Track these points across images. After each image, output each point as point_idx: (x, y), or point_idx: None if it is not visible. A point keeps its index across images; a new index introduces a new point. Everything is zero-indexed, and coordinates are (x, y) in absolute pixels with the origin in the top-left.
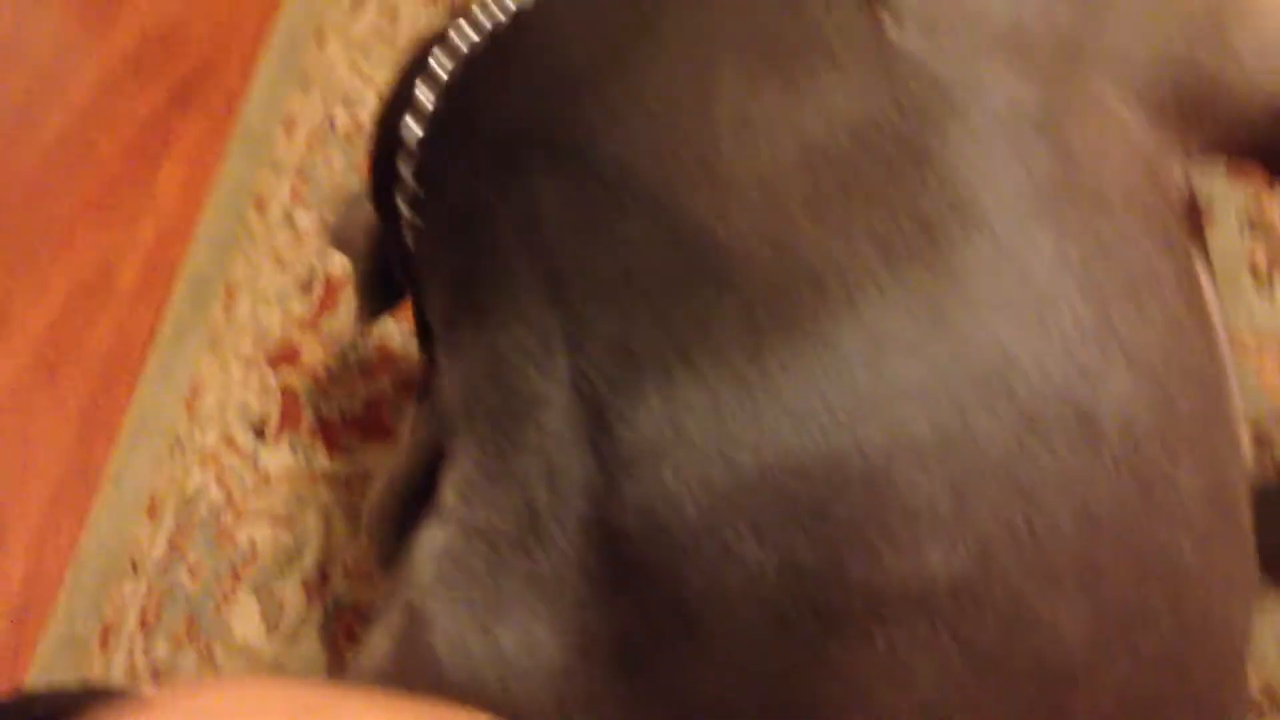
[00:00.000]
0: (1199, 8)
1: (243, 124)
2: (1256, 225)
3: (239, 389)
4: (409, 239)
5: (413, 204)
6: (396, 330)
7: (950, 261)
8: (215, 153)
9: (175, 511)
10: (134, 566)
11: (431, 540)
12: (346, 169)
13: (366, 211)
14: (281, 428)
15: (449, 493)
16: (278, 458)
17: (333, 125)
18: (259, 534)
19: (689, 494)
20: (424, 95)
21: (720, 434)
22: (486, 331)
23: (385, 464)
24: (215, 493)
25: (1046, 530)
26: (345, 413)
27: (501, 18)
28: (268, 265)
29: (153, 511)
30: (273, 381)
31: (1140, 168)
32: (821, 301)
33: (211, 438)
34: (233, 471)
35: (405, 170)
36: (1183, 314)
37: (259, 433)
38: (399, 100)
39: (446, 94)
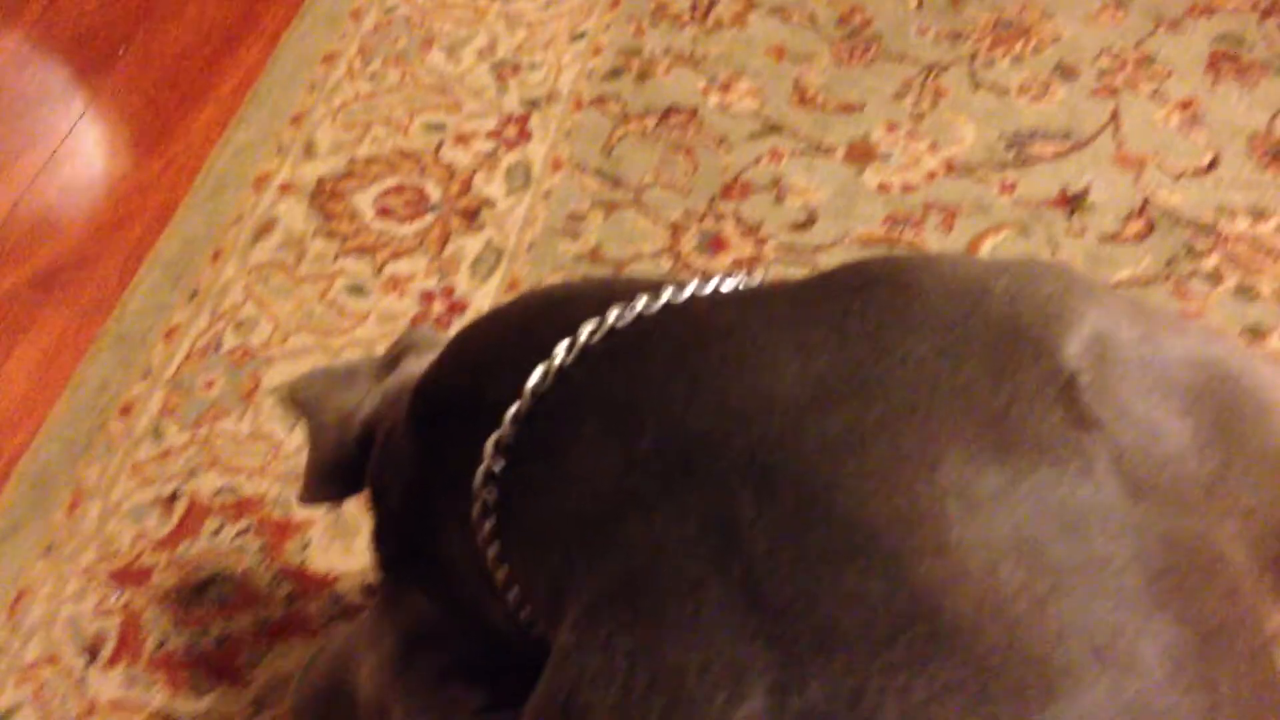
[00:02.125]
0: None
1: (116, 325)
2: None
3: (72, 603)
4: (475, 478)
5: (506, 449)
6: (263, 569)
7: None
8: (77, 348)
9: None
10: None
11: None
12: (228, 391)
13: (349, 398)
14: (118, 654)
15: None
16: (109, 686)
17: (219, 345)
18: None
19: None
20: (561, 352)
21: None
22: (650, 636)
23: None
24: (30, 715)
25: None
26: (195, 648)
27: (652, 309)
28: (125, 476)
29: None
30: (114, 601)
31: (1225, 596)
32: (1045, 691)
33: (33, 652)
34: (54, 694)
35: (505, 414)
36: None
37: (91, 655)
38: (502, 341)
39: (586, 361)
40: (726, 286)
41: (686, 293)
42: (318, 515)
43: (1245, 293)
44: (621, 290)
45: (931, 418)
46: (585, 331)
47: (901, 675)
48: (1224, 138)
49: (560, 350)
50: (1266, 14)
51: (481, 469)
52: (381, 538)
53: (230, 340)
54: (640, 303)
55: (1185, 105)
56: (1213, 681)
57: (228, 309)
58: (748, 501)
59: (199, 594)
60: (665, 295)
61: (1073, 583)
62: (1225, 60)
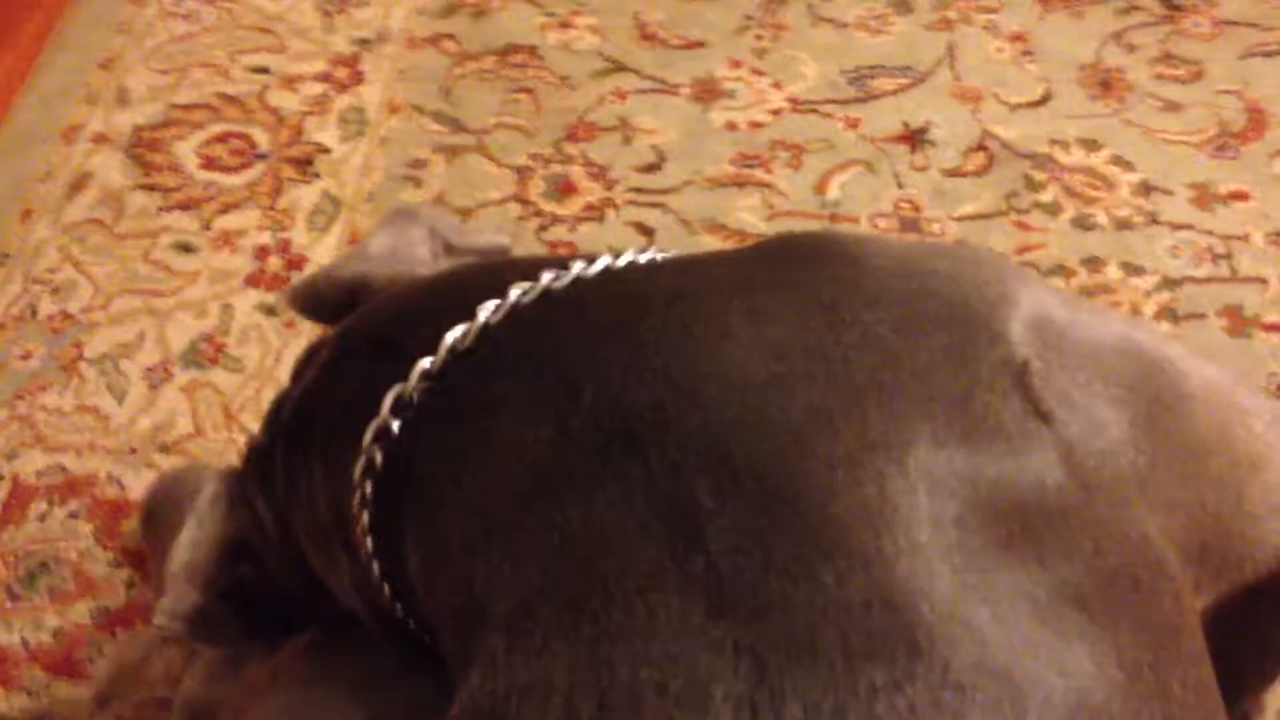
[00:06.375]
0: (1223, 467)
1: None
2: None
3: None
4: (365, 433)
5: (409, 407)
6: (98, 553)
7: None
8: None
9: None
10: None
11: None
12: (48, 362)
13: (400, 242)
14: None
15: None
16: None
17: (34, 312)
18: None
19: None
20: (486, 311)
21: None
22: (596, 643)
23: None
24: None
25: None
26: (28, 643)
27: (573, 277)
28: None
29: None
30: None
31: (1172, 598)
32: (1016, 706)
33: None
34: None
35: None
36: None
37: None
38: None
39: (515, 321)
40: (662, 256)
41: (624, 260)
42: None
43: (1083, 223)
44: (558, 261)
45: (898, 399)
46: (515, 292)
47: (884, 696)
48: (1055, 69)
49: (486, 308)
50: None
51: (374, 424)
52: (270, 417)
53: (47, 306)
54: (575, 266)
55: (1018, 37)
56: (1167, 686)
57: (42, 272)
58: (705, 489)
59: (29, 584)
60: (601, 262)
61: (1035, 584)
62: None
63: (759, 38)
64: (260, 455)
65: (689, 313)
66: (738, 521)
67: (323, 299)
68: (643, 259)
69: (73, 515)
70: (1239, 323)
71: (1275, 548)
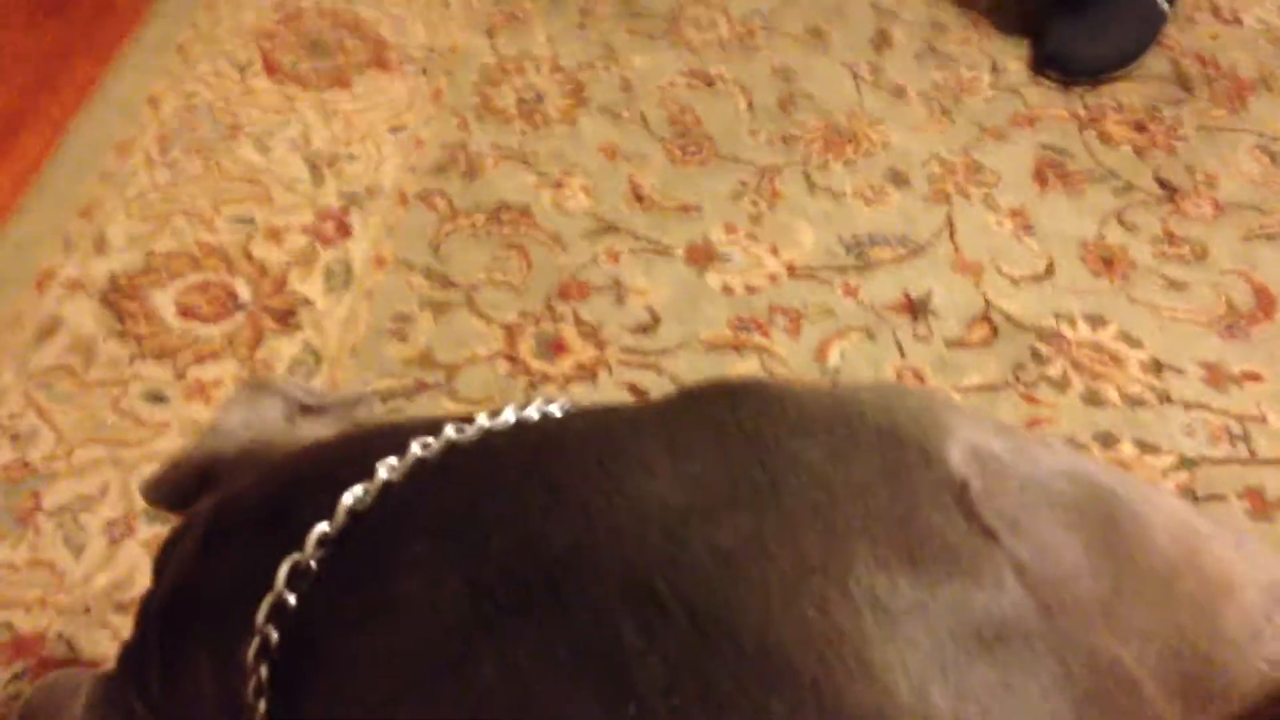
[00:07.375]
0: (1194, 592)
1: None
2: None
3: None
4: (258, 612)
5: (306, 577)
6: None
7: None
8: None
9: None
10: None
11: None
12: (2, 513)
13: (254, 415)
14: None
15: None
16: None
17: None
18: None
19: None
20: (386, 468)
21: None
22: None
23: None
24: None
25: None
26: None
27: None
28: None
29: None
30: None
31: None
32: None
33: None
34: None
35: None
36: None
37: None
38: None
39: (417, 475)
40: (572, 406)
41: (533, 409)
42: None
43: (1092, 398)
44: (462, 416)
45: (834, 522)
46: (416, 447)
47: None
48: (1056, 244)
49: (385, 465)
50: (1085, 125)
51: (268, 600)
52: (139, 615)
53: (5, 454)
54: (480, 419)
55: (1016, 213)
56: None
57: (3, 419)
58: (631, 628)
59: None
60: (509, 412)
61: (1003, 709)
62: (1050, 169)
63: (754, 203)
64: (133, 656)
65: (605, 452)
66: (669, 658)
67: (180, 486)
68: (554, 408)
69: (18, 676)
70: (1261, 505)
71: (1260, 675)
